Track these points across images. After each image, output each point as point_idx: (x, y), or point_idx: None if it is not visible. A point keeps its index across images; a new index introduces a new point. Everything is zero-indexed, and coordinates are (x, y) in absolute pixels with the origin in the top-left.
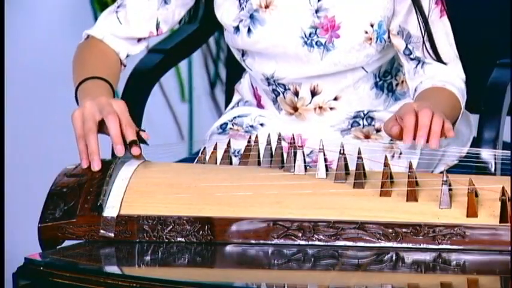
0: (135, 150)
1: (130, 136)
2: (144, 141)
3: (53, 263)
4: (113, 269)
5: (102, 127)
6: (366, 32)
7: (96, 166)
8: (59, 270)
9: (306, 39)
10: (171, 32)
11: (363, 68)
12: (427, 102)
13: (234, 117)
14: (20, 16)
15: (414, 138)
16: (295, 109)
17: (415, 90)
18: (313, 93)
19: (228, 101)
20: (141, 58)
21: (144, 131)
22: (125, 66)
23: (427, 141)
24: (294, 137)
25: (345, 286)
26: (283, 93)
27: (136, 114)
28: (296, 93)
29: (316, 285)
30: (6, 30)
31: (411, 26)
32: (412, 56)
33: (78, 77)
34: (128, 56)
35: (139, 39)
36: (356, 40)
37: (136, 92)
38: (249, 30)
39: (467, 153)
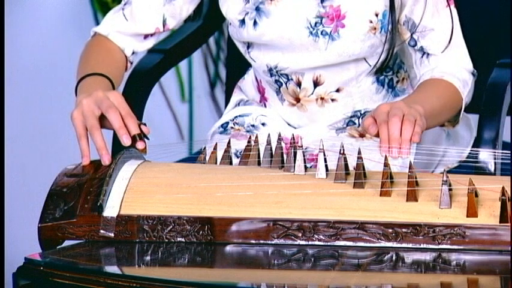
0: (140, 145)
1: (133, 130)
2: (145, 136)
3: (53, 263)
4: (113, 269)
5: (102, 122)
6: (371, 22)
7: (107, 160)
8: (59, 270)
9: (311, 29)
10: (171, 32)
11: (366, 61)
12: (413, 95)
13: (235, 117)
14: (20, 16)
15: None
16: (298, 100)
17: (419, 80)
18: (316, 84)
19: (228, 100)
20: (141, 58)
21: (144, 124)
22: (131, 63)
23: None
24: (294, 137)
25: (345, 286)
26: (286, 84)
27: (137, 114)
28: (299, 84)
29: (316, 285)
30: (6, 30)
31: (416, 16)
32: (417, 47)
33: (79, 74)
34: (134, 53)
35: (145, 36)
36: (361, 30)
37: (136, 92)
38: (255, 22)
39: (468, 153)
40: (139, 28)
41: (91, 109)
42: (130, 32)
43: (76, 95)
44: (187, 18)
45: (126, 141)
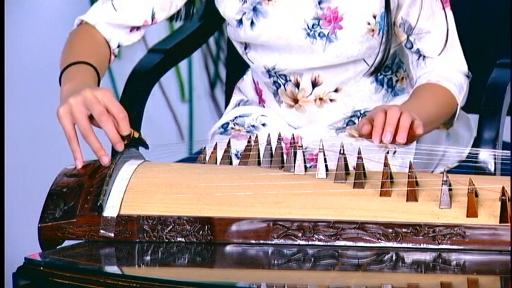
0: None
1: (125, 131)
2: (146, 145)
3: (53, 263)
4: (113, 269)
5: (91, 120)
6: (369, 24)
7: (107, 161)
8: (59, 270)
9: (308, 31)
10: (171, 32)
11: (364, 61)
12: (410, 101)
13: (236, 117)
14: (20, 16)
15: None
16: (296, 101)
17: (415, 82)
18: (314, 84)
19: (228, 101)
20: (141, 58)
21: (139, 133)
22: (115, 56)
23: (395, 136)
24: (293, 137)
25: (345, 286)
26: (284, 85)
27: (136, 114)
28: (297, 85)
29: (316, 285)
30: (6, 30)
31: (412, 18)
32: (413, 49)
33: (63, 63)
34: (119, 46)
35: (132, 29)
36: (359, 31)
37: (136, 92)
38: (252, 22)
39: (467, 153)
40: (127, 19)
41: (80, 110)
42: (118, 23)
43: (60, 84)
44: (174, 16)
45: (120, 148)
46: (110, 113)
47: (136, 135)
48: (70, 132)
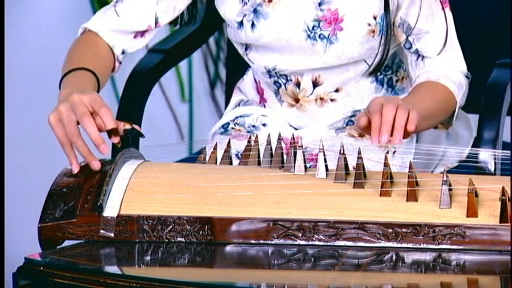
0: (115, 139)
1: (109, 125)
2: (140, 134)
3: (53, 263)
4: (113, 269)
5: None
6: (369, 25)
7: (96, 166)
8: (59, 270)
9: (309, 33)
10: (171, 32)
11: (365, 61)
12: (408, 97)
13: (236, 117)
14: (20, 16)
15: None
16: (297, 100)
17: (414, 82)
18: (315, 84)
19: (228, 101)
20: (141, 58)
21: (130, 124)
22: (120, 63)
23: (391, 136)
24: (293, 137)
25: (345, 286)
26: (284, 85)
27: (137, 114)
28: (298, 84)
29: (316, 285)
30: (6, 30)
31: (411, 19)
32: (412, 50)
33: (64, 69)
34: (124, 52)
35: (136, 35)
36: (359, 33)
37: (136, 92)
38: (253, 24)
39: (467, 153)
40: (131, 25)
41: (68, 115)
42: (122, 29)
43: (60, 90)
44: (178, 19)
45: (104, 150)
46: (94, 112)
47: (127, 126)
48: (62, 138)
